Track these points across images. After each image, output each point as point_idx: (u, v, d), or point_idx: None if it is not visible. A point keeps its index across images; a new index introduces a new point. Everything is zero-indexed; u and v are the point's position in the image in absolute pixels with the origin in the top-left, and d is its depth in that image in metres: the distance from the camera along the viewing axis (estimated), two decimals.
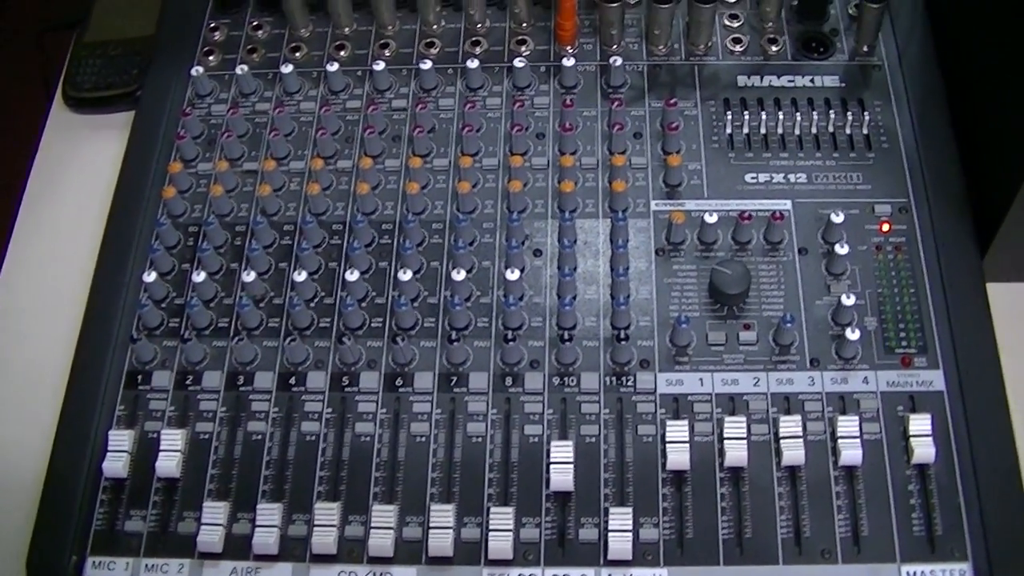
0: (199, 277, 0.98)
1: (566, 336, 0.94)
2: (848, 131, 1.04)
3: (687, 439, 0.90)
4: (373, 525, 0.88)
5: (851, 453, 0.89)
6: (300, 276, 0.96)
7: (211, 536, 0.89)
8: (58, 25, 1.30)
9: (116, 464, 0.91)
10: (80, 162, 1.17)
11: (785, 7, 1.13)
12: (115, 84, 1.19)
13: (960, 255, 0.98)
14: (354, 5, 1.15)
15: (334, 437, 0.93)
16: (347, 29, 1.15)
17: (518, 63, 1.08)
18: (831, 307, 0.96)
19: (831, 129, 1.05)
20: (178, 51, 1.15)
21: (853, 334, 0.92)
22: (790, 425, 0.90)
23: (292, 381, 0.95)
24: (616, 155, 1.03)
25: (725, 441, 0.89)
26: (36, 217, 1.14)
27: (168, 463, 0.91)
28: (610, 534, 0.87)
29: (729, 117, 1.06)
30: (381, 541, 0.88)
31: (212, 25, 1.17)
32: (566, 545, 0.88)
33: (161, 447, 0.92)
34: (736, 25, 1.12)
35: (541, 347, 0.95)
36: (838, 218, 0.97)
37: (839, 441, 0.89)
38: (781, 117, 1.05)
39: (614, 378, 0.94)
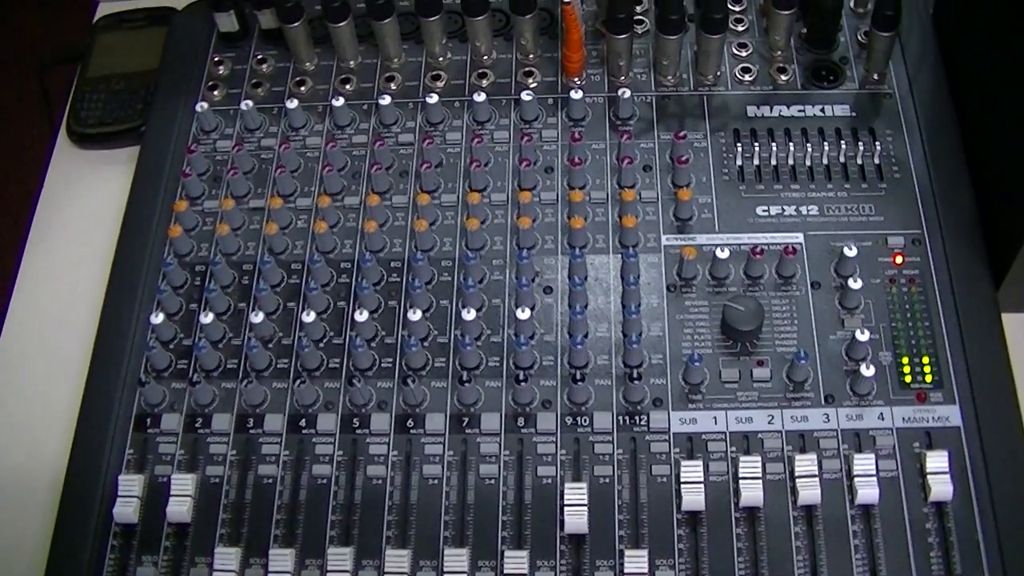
0: (207, 318, 0.97)
1: (578, 375, 0.94)
2: (859, 161, 1.04)
3: (702, 479, 0.89)
4: (387, 570, 0.88)
5: (868, 492, 0.88)
6: (309, 317, 0.96)
7: None
8: (60, 59, 1.29)
9: (127, 509, 0.91)
10: (85, 198, 1.17)
11: (794, 36, 1.12)
12: (119, 119, 1.19)
13: (974, 286, 0.98)
14: (359, 38, 1.14)
15: (346, 480, 0.92)
16: (352, 62, 1.14)
17: (525, 96, 1.07)
18: (845, 342, 0.95)
19: (842, 159, 1.04)
20: (182, 85, 1.14)
21: (868, 370, 0.91)
22: (806, 464, 0.89)
23: (302, 423, 0.94)
24: (626, 189, 1.02)
25: (740, 481, 0.89)
26: (41, 254, 1.14)
27: (179, 508, 0.91)
28: None
29: (739, 148, 1.05)
30: None
31: (216, 59, 1.16)
32: None
33: (171, 491, 0.91)
34: (745, 54, 1.11)
35: (553, 387, 0.94)
36: (851, 252, 0.96)
37: (855, 479, 0.89)
38: (791, 148, 1.04)
39: (627, 418, 0.93)
